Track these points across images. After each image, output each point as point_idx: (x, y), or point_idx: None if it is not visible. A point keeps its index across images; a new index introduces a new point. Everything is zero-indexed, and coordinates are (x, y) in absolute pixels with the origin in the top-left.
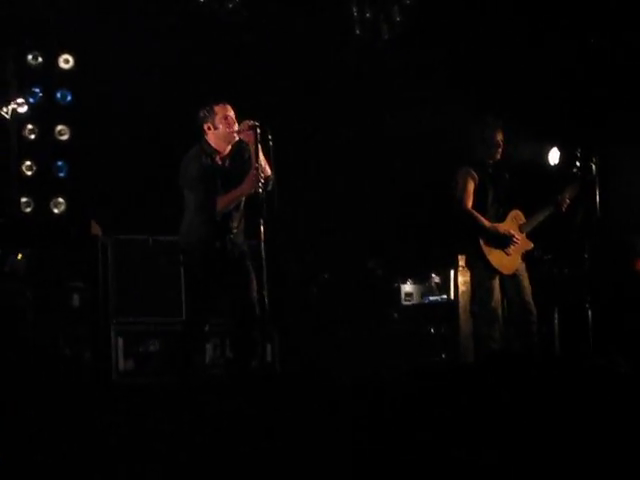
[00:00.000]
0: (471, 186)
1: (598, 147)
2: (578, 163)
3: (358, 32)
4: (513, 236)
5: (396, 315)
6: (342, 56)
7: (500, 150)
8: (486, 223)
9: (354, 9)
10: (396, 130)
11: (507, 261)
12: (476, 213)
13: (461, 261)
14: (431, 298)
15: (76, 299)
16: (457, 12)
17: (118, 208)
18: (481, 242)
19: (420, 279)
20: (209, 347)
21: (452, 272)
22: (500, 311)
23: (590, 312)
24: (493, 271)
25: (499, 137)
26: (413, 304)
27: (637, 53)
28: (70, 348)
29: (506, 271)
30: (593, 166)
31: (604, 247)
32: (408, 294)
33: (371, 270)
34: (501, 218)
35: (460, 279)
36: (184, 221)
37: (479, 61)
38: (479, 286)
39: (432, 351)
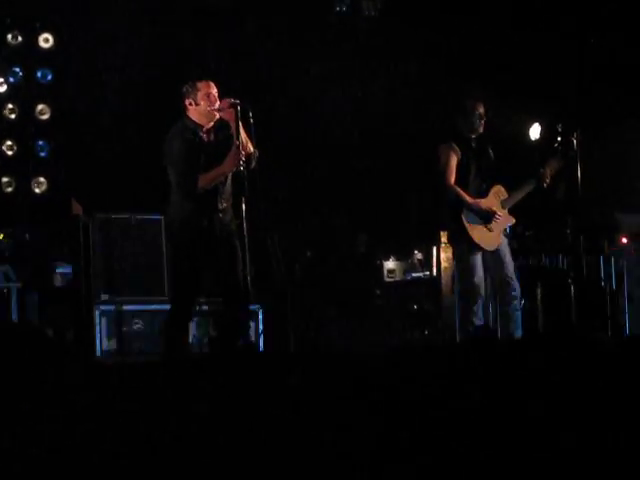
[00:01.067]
0: (454, 161)
1: (580, 122)
2: (559, 138)
3: (338, 9)
4: (495, 212)
5: (379, 292)
6: (323, 33)
7: (482, 122)
8: (468, 199)
9: None
10: (378, 106)
11: (489, 237)
12: (459, 189)
13: (443, 238)
14: (414, 275)
15: (58, 279)
16: None
17: (100, 187)
18: (463, 218)
19: (402, 256)
20: (193, 326)
21: (434, 249)
22: (483, 287)
23: (573, 287)
24: (475, 247)
25: (480, 109)
26: (396, 281)
27: (617, 31)
28: (53, 328)
29: (488, 247)
30: (574, 141)
31: (586, 223)
32: (391, 271)
33: (354, 247)
34: (483, 194)
35: (442, 255)
36: (170, 199)
37: (461, 36)
38: (461, 262)
39: (415, 327)
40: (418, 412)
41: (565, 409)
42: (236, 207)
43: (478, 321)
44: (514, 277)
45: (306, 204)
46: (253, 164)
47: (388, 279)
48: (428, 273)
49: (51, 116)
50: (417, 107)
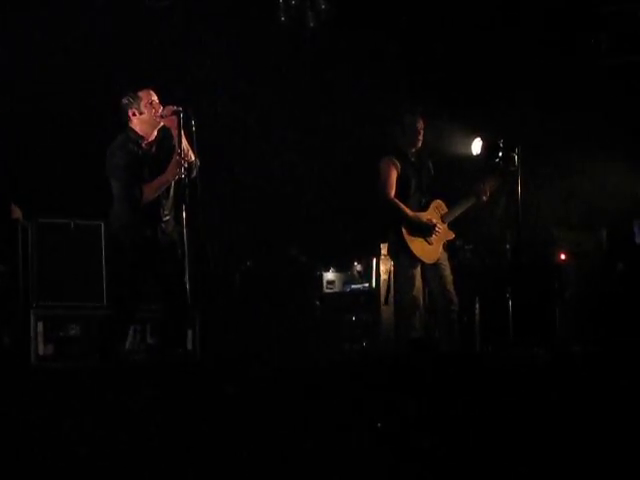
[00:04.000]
0: (393, 175)
1: (521, 138)
2: (500, 153)
3: (283, 19)
4: (435, 225)
5: (318, 303)
6: (268, 42)
7: (421, 138)
8: (408, 212)
9: None
10: (320, 117)
11: (429, 250)
12: (398, 202)
13: (383, 250)
14: (353, 286)
15: None
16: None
17: (39, 191)
18: (403, 231)
19: (342, 267)
20: (130, 333)
21: (374, 260)
22: (421, 300)
23: (510, 302)
24: (415, 260)
25: (419, 125)
26: (335, 292)
27: (563, 46)
28: None
29: (428, 260)
30: (515, 157)
31: (525, 238)
32: (330, 282)
33: (294, 258)
34: (424, 207)
35: (382, 267)
36: (112, 209)
37: (404, 50)
38: (401, 274)
39: (353, 338)
40: (356, 423)
41: (498, 421)
42: (177, 215)
43: (415, 333)
44: (453, 291)
45: (247, 212)
46: (194, 173)
47: (327, 290)
48: (367, 285)
49: None
50: (356, 120)
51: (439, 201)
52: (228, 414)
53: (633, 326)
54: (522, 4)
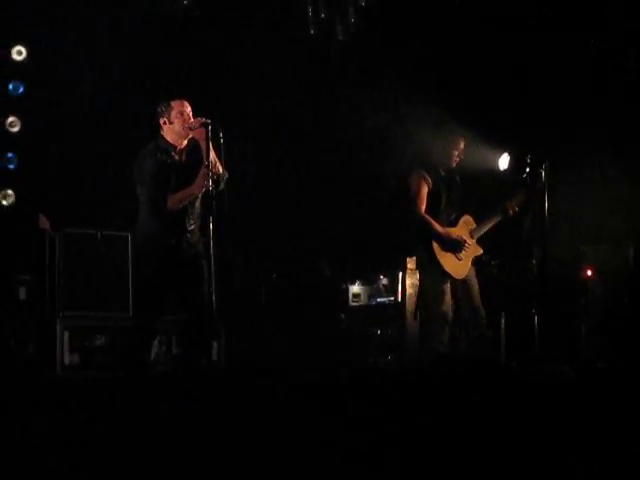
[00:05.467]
0: (425, 190)
1: (548, 154)
2: (528, 169)
3: (312, 32)
4: (465, 241)
5: (343, 316)
6: (297, 55)
7: (458, 159)
8: (439, 228)
9: (309, 9)
10: (347, 131)
11: (459, 266)
12: (429, 218)
13: (410, 264)
14: (378, 300)
15: (22, 292)
16: (411, 14)
17: (67, 202)
18: (434, 246)
19: (368, 280)
20: (155, 343)
21: (400, 274)
22: (450, 315)
23: (536, 318)
24: (445, 275)
25: (461, 145)
26: (360, 305)
27: (589, 62)
28: (15, 341)
29: (457, 275)
30: (543, 173)
31: (552, 254)
32: (356, 295)
33: (319, 271)
34: (453, 223)
35: (408, 281)
36: (138, 217)
37: (432, 63)
38: (430, 289)
39: (379, 352)
40: (381, 435)
41: (522, 436)
42: (203, 227)
43: (442, 348)
44: (481, 306)
45: (274, 225)
46: (222, 185)
47: (353, 303)
48: (393, 298)
49: (21, 129)
50: (387, 132)
51: (468, 216)
52: (251, 425)
53: None
54: (552, 19)
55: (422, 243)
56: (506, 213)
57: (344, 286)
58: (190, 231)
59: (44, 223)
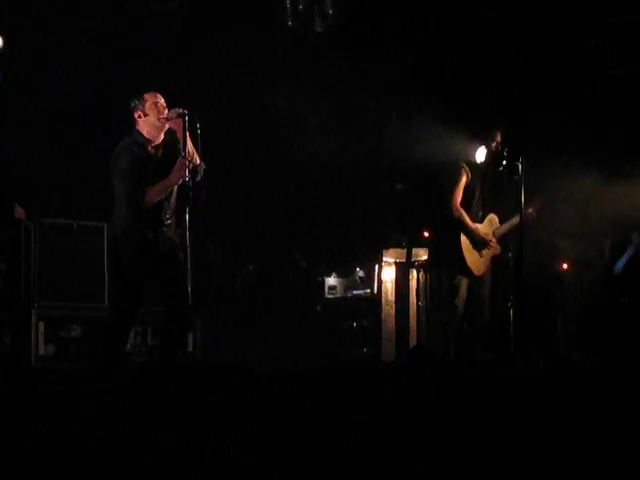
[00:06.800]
0: (463, 183)
1: (525, 147)
2: (504, 162)
3: (290, 24)
4: (491, 240)
5: (319, 308)
6: (275, 47)
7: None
8: (470, 224)
9: (287, 1)
10: (326, 122)
11: (480, 263)
12: (464, 213)
13: (385, 256)
14: (354, 292)
15: None
16: (391, 6)
17: (43, 192)
18: (462, 239)
19: (344, 273)
20: (131, 334)
21: (376, 267)
22: (461, 310)
23: (512, 311)
24: (465, 270)
25: (499, 138)
26: (336, 297)
27: (566, 54)
28: None
29: (477, 272)
30: (519, 165)
31: (528, 248)
32: (332, 287)
33: (295, 263)
34: (480, 219)
35: (387, 275)
36: (114, 211)
37: (411, 53)
38: (447, 282)
39: (354, 344)
40: (355, 427)
41: (498, 429)
42: (180, 218)
43: (445, 338)
44: (488, 304)
45: (250, 217)
46: (199, 177)
47: (329, 295)
48: (369, 291)
49: None
50: (363, 124)
51: (494, 215)
52: (226, 416)
53: (633, 336)
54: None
55: (449, 236)
56: (527, 217)
57: (320, 278)
58: (166, 225)
59: (19, 213)
